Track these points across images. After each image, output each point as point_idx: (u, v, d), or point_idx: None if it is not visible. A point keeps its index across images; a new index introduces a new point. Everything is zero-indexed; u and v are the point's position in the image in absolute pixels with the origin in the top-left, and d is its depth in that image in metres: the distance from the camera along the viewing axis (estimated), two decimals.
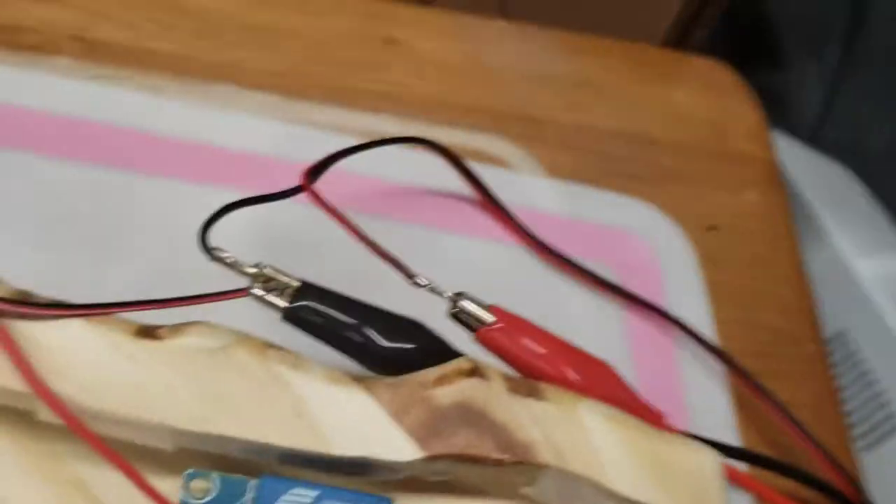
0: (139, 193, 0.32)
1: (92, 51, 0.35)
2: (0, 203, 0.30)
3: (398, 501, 0.23)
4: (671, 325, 0.34)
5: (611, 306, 0.34)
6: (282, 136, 0.35)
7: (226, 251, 0.25)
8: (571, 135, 0.40)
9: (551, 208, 0.37)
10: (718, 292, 0.36)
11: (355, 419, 0.23)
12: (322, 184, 0.28)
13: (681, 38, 0.56)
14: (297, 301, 0.25)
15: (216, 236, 0.25)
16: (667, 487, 0.24)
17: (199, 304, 0.24)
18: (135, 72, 0.35)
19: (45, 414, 0.21)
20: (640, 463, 0.24)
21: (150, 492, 0.21)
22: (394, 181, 0.35)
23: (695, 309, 0.35)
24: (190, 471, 0.22)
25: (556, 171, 0.38)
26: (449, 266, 0.33)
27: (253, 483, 0.22)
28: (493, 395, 0.24)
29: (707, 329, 0.34)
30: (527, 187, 0.37)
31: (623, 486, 0.24)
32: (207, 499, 0.22)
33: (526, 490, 0.25)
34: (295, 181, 0.28)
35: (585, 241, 0.36)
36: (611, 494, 0.24)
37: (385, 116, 0.37)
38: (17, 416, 0.24)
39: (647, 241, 0.37)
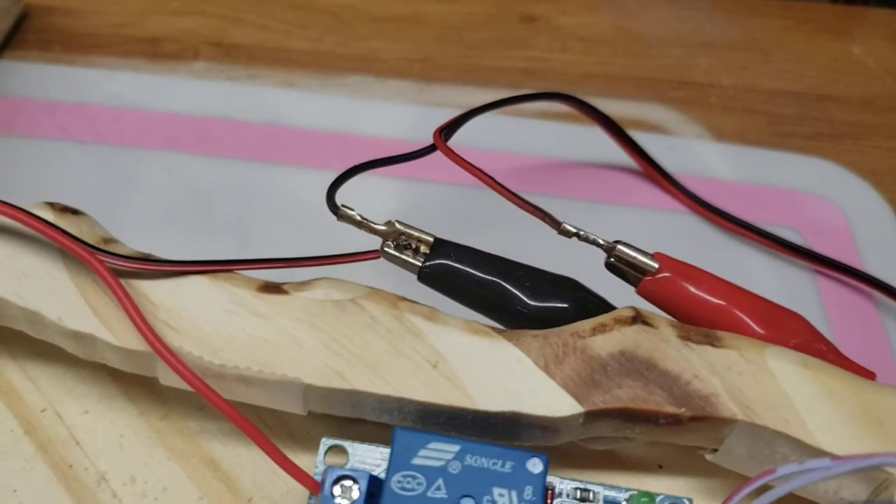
0: (274, 182, 0.31)
1: (227, 54, 0.35)
2: (144, 197, 0.30)
3: (556, 478, 0.20)
4: (871, 288, 0.30)
5: (800, 272, 0.30)
6: (417, 118, 0.33)
7: (353, 209, 0.23)
8: (736, 97, 0.36)
9: (721, 173, 0.33)
10: None
11: (500, 371, 0.20)
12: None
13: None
14: (432, 259, 0.22)
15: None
16: (886, 444, 0.20)
17: (328, 264, 0.22)
18: (270, 70, 0.35)
19: (166, 376, 0.20)
20: (848, 414, 0.20)
21: (283, 460, 0.19)
22: (541, 155, 0.33)
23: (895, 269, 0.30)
24: (325, 438, 0.20)
25: (722, 134, 0.34)
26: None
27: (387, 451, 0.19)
28: (661, 342, 0.20)
29: None
30: (692, 152, 0.34)
31: (830, 442, 0.19)
32: (347, 466, 0.19)
33: (709, 458, 0.21)
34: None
35: (762, 205, 0.32)
36: (815, 452, 0.19)
37: (526, 91, 0.35)
38: (144, 390, 0.22)
39: (832, 200, 0.33)
